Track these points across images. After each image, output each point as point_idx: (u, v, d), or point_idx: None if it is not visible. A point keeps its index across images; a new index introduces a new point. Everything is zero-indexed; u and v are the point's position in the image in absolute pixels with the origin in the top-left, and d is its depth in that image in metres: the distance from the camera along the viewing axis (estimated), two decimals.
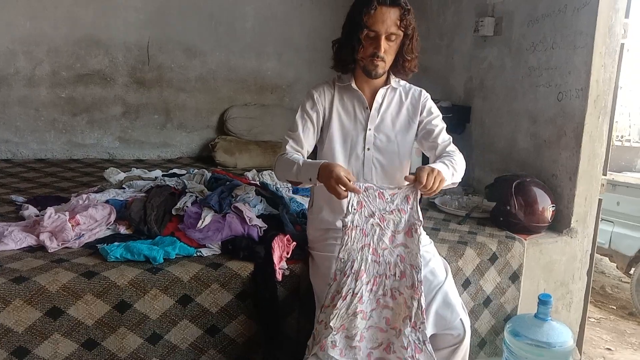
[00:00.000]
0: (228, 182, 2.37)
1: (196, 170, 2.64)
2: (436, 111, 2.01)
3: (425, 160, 2.71)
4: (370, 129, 1.94)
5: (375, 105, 1.95)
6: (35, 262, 1.83)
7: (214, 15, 4.12)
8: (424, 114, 1.98)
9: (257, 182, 2.53)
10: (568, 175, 2.60)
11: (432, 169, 1.68)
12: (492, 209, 2.69)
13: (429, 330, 1.75)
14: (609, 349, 3.67)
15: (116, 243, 1.95)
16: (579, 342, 2.81)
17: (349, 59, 1.87)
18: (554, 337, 2.20)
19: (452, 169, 1.80)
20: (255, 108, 4.33)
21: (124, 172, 2.85)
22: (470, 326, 1.85)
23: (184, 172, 2.88)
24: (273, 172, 2.94)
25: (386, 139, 1.94)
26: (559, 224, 2.63)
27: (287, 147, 1.92)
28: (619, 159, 5.17)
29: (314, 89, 1.98)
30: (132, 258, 1.87)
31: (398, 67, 1.91)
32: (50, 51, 3.74)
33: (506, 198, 2.57)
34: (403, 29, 1.79)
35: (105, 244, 1.94)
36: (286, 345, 1.99)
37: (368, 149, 1.93)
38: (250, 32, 4.27)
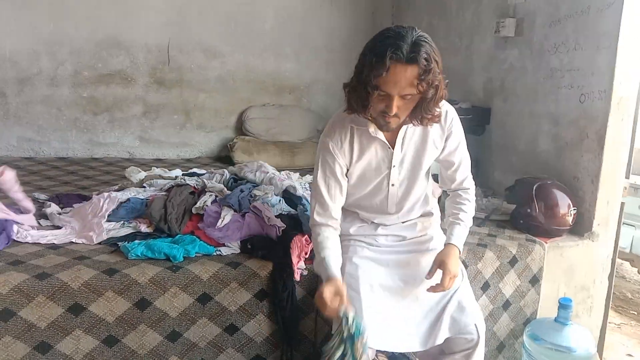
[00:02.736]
0: (248, 182, 2.38)
1: (216, 170, 2.66)
2: (461, 136, 1.84)
3: None
4: (394, 166, 1.79)
5: (397, 142, 1.75)
6: (58, 259, 1.86)
7: (233, 17, 4.15)
8: (449, 141, 1.81)
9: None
10: (590, 178, 2.56)
11: (454, 275, 1.70)
12: (512, 212, 2.66)
13: (444, 334, 1.73)
14: (630, 355, 3.61)
15: (137, 241, 1.97)
16: (600, 347, 2.77)
17: (361, 108, 1.63)
18: (575, 341, 2.16)
19: (467, 231, 1.84)
20: (274, 109, 4.35)
21: (145, 171, 2.88)
22: (489, 329, 1.83)
23: (203, 171, 2.90)
24: (290, 173, 2.95)
25: (411, 171, 1.83)
26: (581, 227, 2.60)
27: (316, 217, 1.77)
28: None
29: (329, 139, 1.75)
30: (153, 256, 1.90)
31: (416, 119, 1.66)
32: (72, 52, 3.80)
33: (527, 200, 2.54)
34: (422, 89, 1.52)
35: (127, 242, 1.97)
36: (303, 346, 1.99)
37: (392, 185, 1.83)
38: (269, 32, 4.29)
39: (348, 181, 1.81)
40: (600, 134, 2.50)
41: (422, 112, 1.61)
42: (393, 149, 1.76)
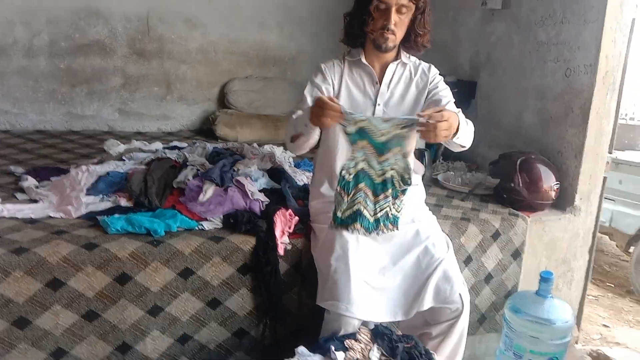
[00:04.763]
0: (230, 156, 2.34)
1: (198, 143, 2.61)
2: (444, 85, 1.98)
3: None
4: (379, 104, 1.92)
5: (385, 80, 1.93)
6: (36, 234, 1.82)
7: None
8: (432, 87, 1.95)
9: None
10: (574, 153, 2.57)
11: (448, 115, 1.62)
12: (496, 186, 2.67)
13: (428, 303, 1.76)
14: (606, 326, 3.70)
15: (117, 215, 1.93)
16: (578, 319, 2.83)
17: (359, 32, 1.85)
18: (555, 314, 2.19)
19: (466, 130, 1.79)
20: (257, 81, 4.27)
21: (124, 144, 2.82)
22: (471, 302, 1.86)
23: (184, 144, 2.85)
24: (274, 147, 2.92)
25: (395, 114, 1.90)
26: (563, 201, 2.62)
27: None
28: (623, 137, 5.12)
29: (323, 63, 1.96)
30: (133, 230, 1.86)
31: (410, 42, 1.89)
32: (49, 21, 3.66)
33: (510, 175, 2.54)
34: (415, 2, 1.77)
35: (106, 216, 1.93)
36: (287, 320, 1.99)
37: None
38: (252, 2, 4.18)
39: None
40: (585, 109, 2.50)
41: (415, 30, 1.84)
42: (380, 84, 1.91)
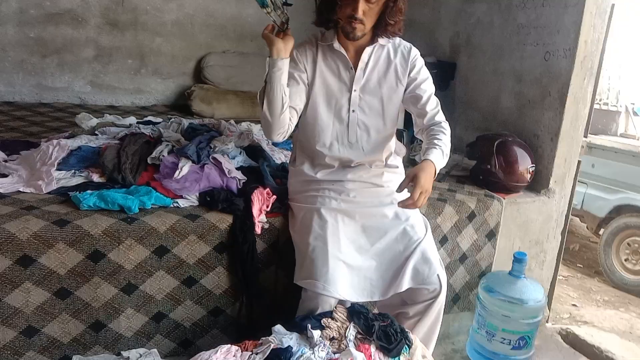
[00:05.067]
0: (206, 133, 2.29)
1: (173, 119, 2.55)
2: (425, 73, 1.91)
3: (407, 117, 2.68)
4: (355, 90, 1.85)
5: (360, 65, 1.84)
6: (4, 209, 1.75)
7: None
8: (413, 74, 1.88)
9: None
10: (550, 136, 2.60)
11: (426, 190, 1.67)
12: (472, 167, 2.69)
13: (406, 284, 1.76)
14: (575, 305, 3.81)
15: (89, 191, 1.88)
16: (549, 299, 2.89)
17: (328, 17, 1.75)
18: (527, 294, 2.24)
19: (445, 158, 1.80)
20: (234, 56, 4.19)
21: (97, 118, 2.74)
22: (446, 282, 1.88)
23: (159, 120, 2.78)
24: (251, 124, 2.88)
25: (372, 99, 1.86)
26: (538, 184, 2.65)
27: None
28: (596, 122, 5.23)
29: (295, 49, 1.84)
30: (106, 207, 1.81)
31: (380, 30, 1.78)
32: None
33: (487, 157, 2.56)
34: None
35: (78, 192, 1.87)
36: (263, 298, 1.98)
37: (353, 111, 1.86)
38: None
39: (310, 95, 1.86)
40: (562, 92, 2.52)
41: (386, 18, 1.71)
42: (355, 71, 1.83)
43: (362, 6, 1.64)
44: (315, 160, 1.93)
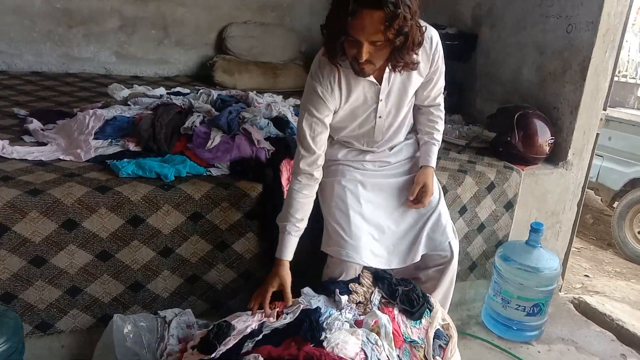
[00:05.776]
0: (235, 104, 2.36)
1: (202, 90, 2.62)
2: (442, 61, 1.83)
3: None
4: (381, 100, 1.78)
5: (385, 76, 1.72)
6: (48, 176, 1.85)
7: None
8: (433, 68, 1.80)
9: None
10: (570, 109, 2.63)
11: (431, 192, 1.88)
12: (492, 139, 2.73)
13: (421, 251, 1.87)
14: (587, 276, 3.88)
15: (126, 160, 1.97)
16: (563, 269, 2.96)
17: (335, 54, 1.60)
18: (542, 262, 2.32)
19: (435, 155, 1.96)
20: (255, 26, 4.22)
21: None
22: (463, 250, 1.96)
23: (187, 91, 2.85)
24: (274, 95, 2.92)
25: (397, 101, 1.82)
26: (556, 156, 2.70)
27: (300, 165, 1.75)
28: (614, 95, 5.18)
29: (317, 83, 1.69)
30: (144, 174, 1.90)
31: (393, 65, 1.64)
32: None
33: (507, 129, 2.60)
34: (390, 36, 1.45)
35: (115, 160, 1.96)
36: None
37: (379, 117, 1.83)
38: None
39: (336, 117, 1.78)
40: (583, 65, 2.54)
41: (395, 59, 1.58)
42: (380, 84, 1.73)
43: (366, 49, 1.49)
44: (335, 145, 1.98)
